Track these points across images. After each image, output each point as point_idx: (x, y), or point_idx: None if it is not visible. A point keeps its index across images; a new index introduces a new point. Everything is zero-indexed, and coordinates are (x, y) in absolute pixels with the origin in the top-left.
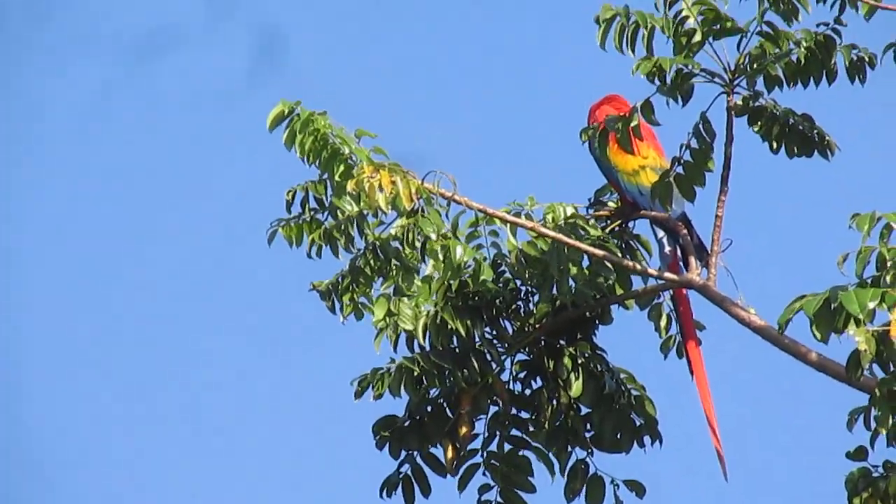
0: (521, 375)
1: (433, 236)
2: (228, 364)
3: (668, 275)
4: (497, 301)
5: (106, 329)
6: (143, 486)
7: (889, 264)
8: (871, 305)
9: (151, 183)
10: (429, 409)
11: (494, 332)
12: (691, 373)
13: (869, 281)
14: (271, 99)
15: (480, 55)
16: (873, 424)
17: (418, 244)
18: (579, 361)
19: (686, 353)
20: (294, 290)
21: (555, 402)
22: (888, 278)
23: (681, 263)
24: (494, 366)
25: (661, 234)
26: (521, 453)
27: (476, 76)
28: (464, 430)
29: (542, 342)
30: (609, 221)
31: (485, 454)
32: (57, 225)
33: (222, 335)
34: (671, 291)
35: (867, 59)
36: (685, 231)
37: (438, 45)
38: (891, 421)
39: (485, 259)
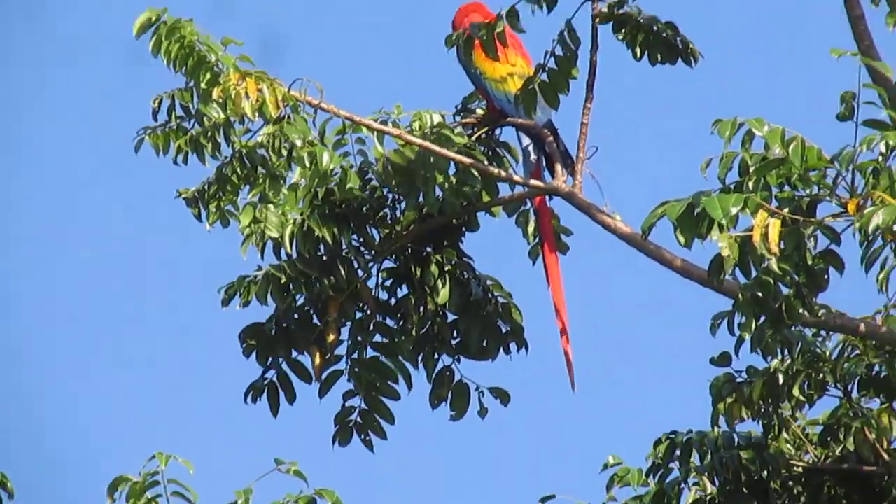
0: (388, 283)
1: (299, 143)
2: (98, 269)
3: (533, 182)
4: (364, 209)
5: (108, 328)
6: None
7: (752, 169)
8: (734, 211)
9: (152, 183)
10: (296, 316)
11: (361, 240)
12: (548, 283)
13: (732, 186)
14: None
15: None
16: (737, 331)
17: (285, 152)
18: (446, 269)
19: (544, 263)
20: None
21: (422, 309)
22: (750, 184)
23: (545, 171)
24: (361, 273)
25: (526, 141)
26: (384, 360)
27: None
28: (331, 337)
29: (409, 250)
30: (476, 129)
31: (349, 361)
32: (57, 225)
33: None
34: (534, 201)
35: None
36: (551, 138)
37: (439, 43)
38: (754, 326)
39: (351, 167)
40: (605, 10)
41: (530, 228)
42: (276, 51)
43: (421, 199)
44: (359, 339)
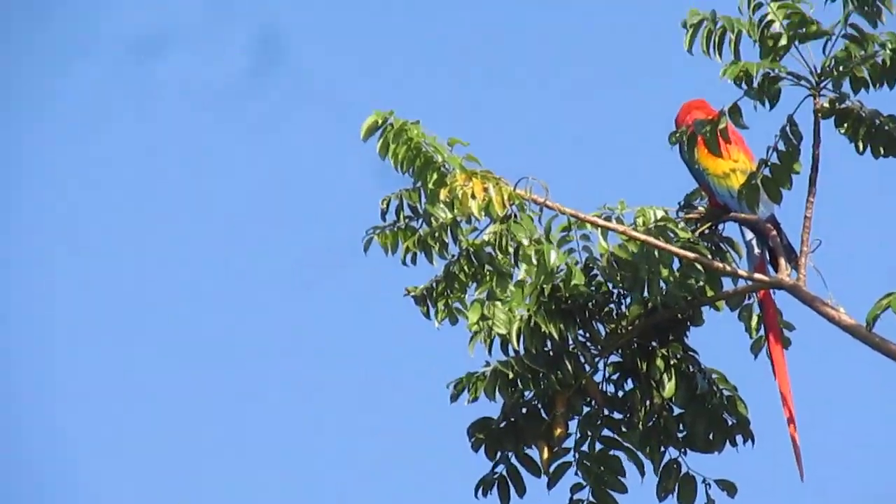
0: (615, 377)
1: (526, 242)
2: (323, 368)
3: (757, 276)
4: (589, 304)
5: (108, 334)
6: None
7: None
8: None
9: (152, 183)
10: (523, 410)
11: (587, 335)
12: (774, 374)
13: None
14: (271, 98)
15: (486, 51)
16: None
17: (511, 249)
18: (671, 362)
19: (769, 355)
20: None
21: (648, 402)
22: None
23: (769, 265)
24: (588, 368)
25: (749, 236)
26: (612, 453)
27: (475, 74)
28: (558, 431)
29: (635, 344)
30: (699, 224)
31: (577, 454)
32: (57, 225)
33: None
34: (758, 294)
35: None
36: (774, 233)
37: (439, 43)
38: None
39: (576, 263)
40: (826, 105)
41: (753, 322)
42: (275, 50)
43: (646, 293)
44: (588, 432)
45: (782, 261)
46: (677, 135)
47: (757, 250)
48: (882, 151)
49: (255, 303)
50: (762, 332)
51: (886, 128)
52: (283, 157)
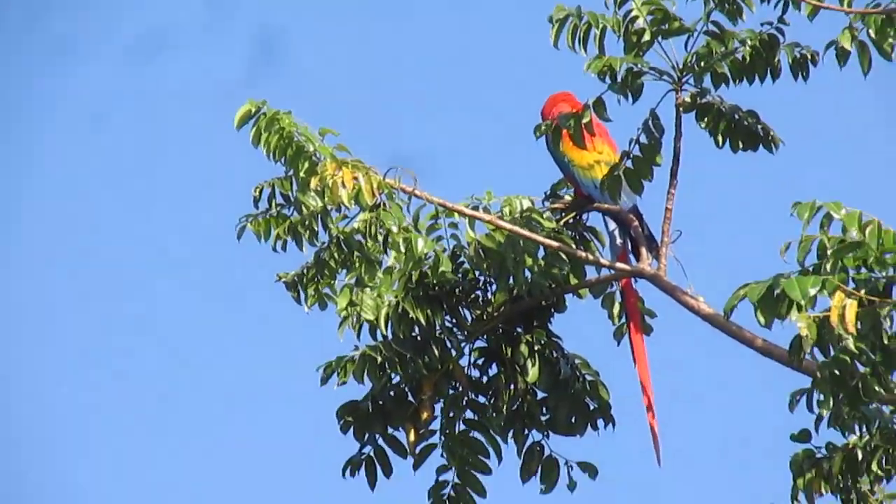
0: (480, 362)
1: (395, 229)
2: (198, 351)
3: (619, 265)
4: (456, 291)
5: (98, 327)
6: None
7: (829, 252)
8: (813, 292)
9: (150, 183)
10: (391, 394)
11: (454, 321)
12: (634, 362)
13: (810, 268)
14: (271, 98)
15: (481, 54)
16: (816, 408)
17: (380, 237)
18: (536, 348)
19: (630, 343)
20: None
21: (512, 386)
22: (828, 266)
23: (631, 255)
24: (454, 353)
25: (612, 226)
26: (474, 436)
27: (476, 76)
28: (425, 414)
29: (500, 330)
30: (564, 214)
31: (443, 436)
32: (56, 225)
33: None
34: (620, 283)
35: (810, 56)
36: (636, 223)
37: (439, 43)
38: (832, 403)
39: (444, 251)
40: (688, 99)
41: (615, 310)
42: (275, 50)
43: (511, 281)
44: (451, 415)
45: (643, 250)
46: (543, 127)
47: (619, 240)
48: (741, 145)
49: (254, 302)
50: (624, 319)
51: (745, 122)
52: None
